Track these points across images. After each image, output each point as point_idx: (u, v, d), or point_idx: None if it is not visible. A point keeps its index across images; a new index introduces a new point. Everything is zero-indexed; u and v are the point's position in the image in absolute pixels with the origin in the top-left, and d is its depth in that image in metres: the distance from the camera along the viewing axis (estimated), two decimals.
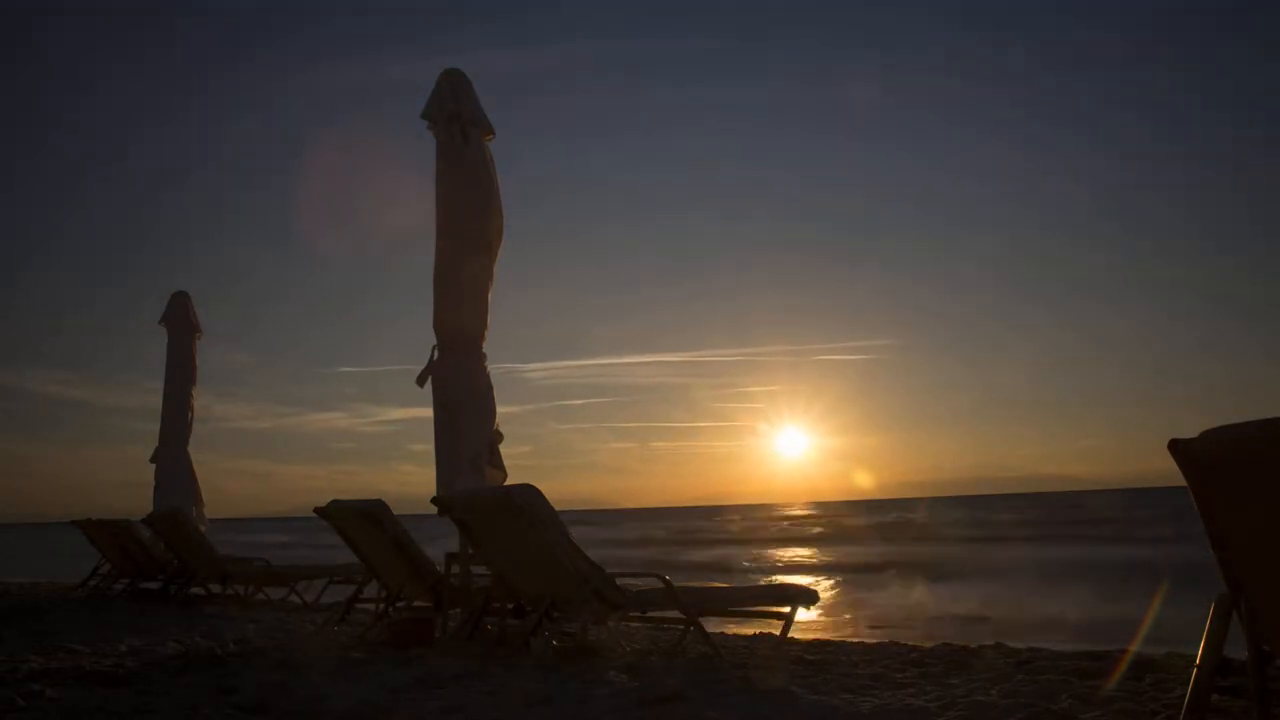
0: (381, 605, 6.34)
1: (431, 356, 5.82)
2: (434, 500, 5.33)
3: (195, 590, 9.11)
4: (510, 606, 5.45)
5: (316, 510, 6.40)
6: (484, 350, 5.91)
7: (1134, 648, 4.62)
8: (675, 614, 5.08)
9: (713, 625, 5.14)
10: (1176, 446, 2.27)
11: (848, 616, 9.82)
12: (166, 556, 9.57)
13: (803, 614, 5.18)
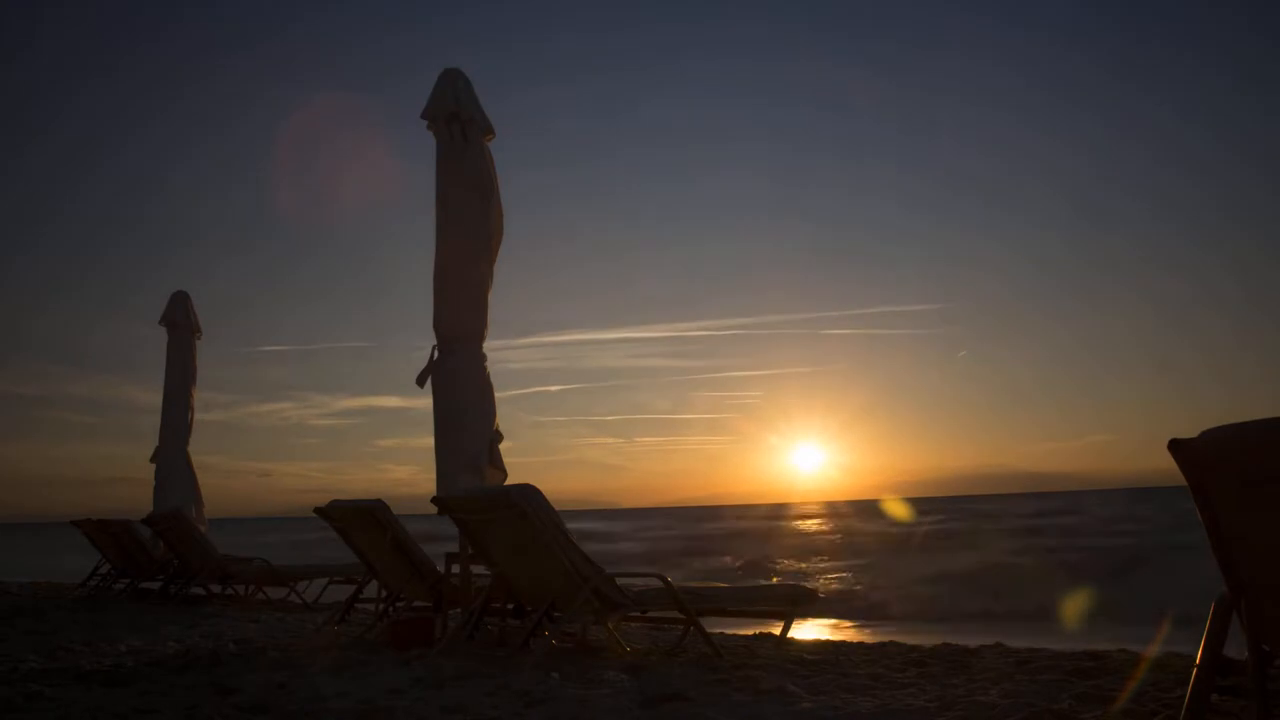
0: (381, 605, 6.35)
1: (431, 356, 5.82)
2: (434, 500, 5.33)
3: (195, 590, 9.12)
4: (510, 606, 5.45)
5: (316, 510, 6.41)
6: (484, 350, 5.92)
7: (1153, 651, 4.62)
8: (675, 614, 5.08)
9: (713, 625, 5.14)
10: (1177, 446, 2.27)
11: (848, 616, 9.82)
12: (166, 556, 9.58)
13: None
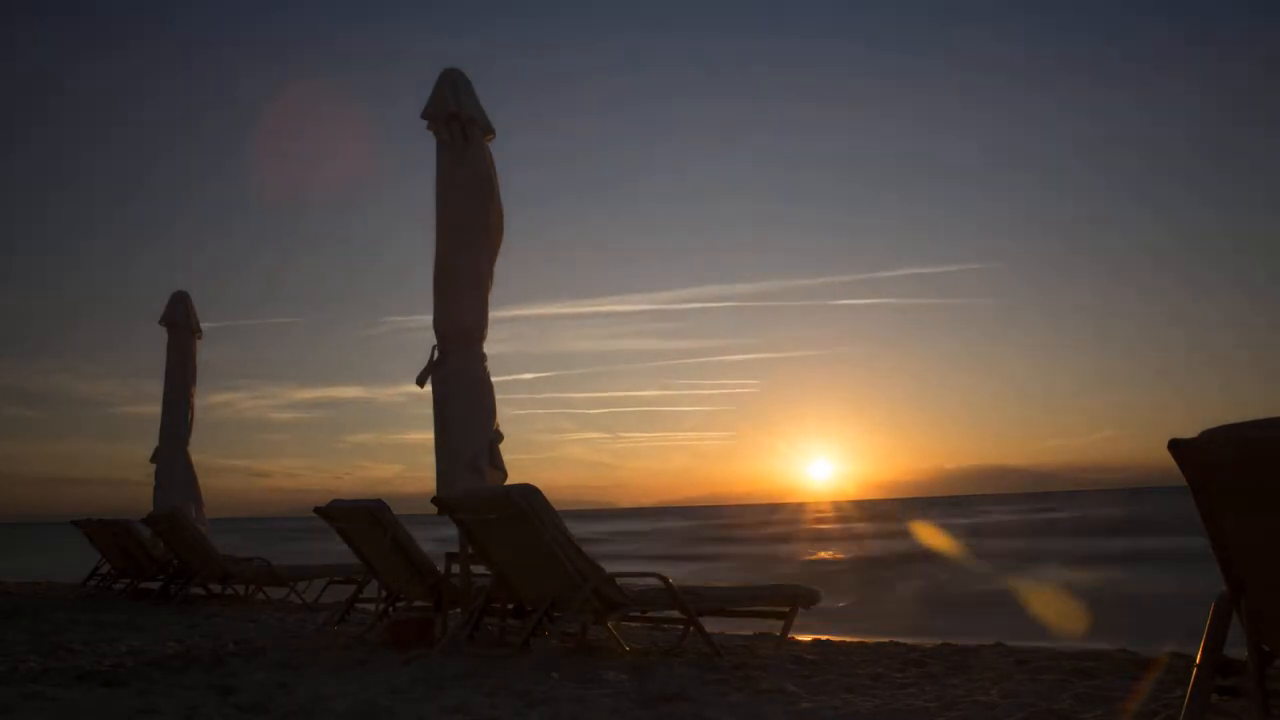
0: (381, 605, 6.35)
1: (431, 356, 5.83)
2: (434, 500, 5.33)
3: (195, 590, 9.12)
4: (510, 606, 5.46)
5: (317, 510, 6.41)
6: (484, 350, 5.93)
7: (1153, 651, 4.62)
8: (675, 614, 5.08)
9: (713, 625, 5.14)
10: (1177, 446, 2.27)
11: (848, 617, 9.82)
12: (166, 556, 9.58)
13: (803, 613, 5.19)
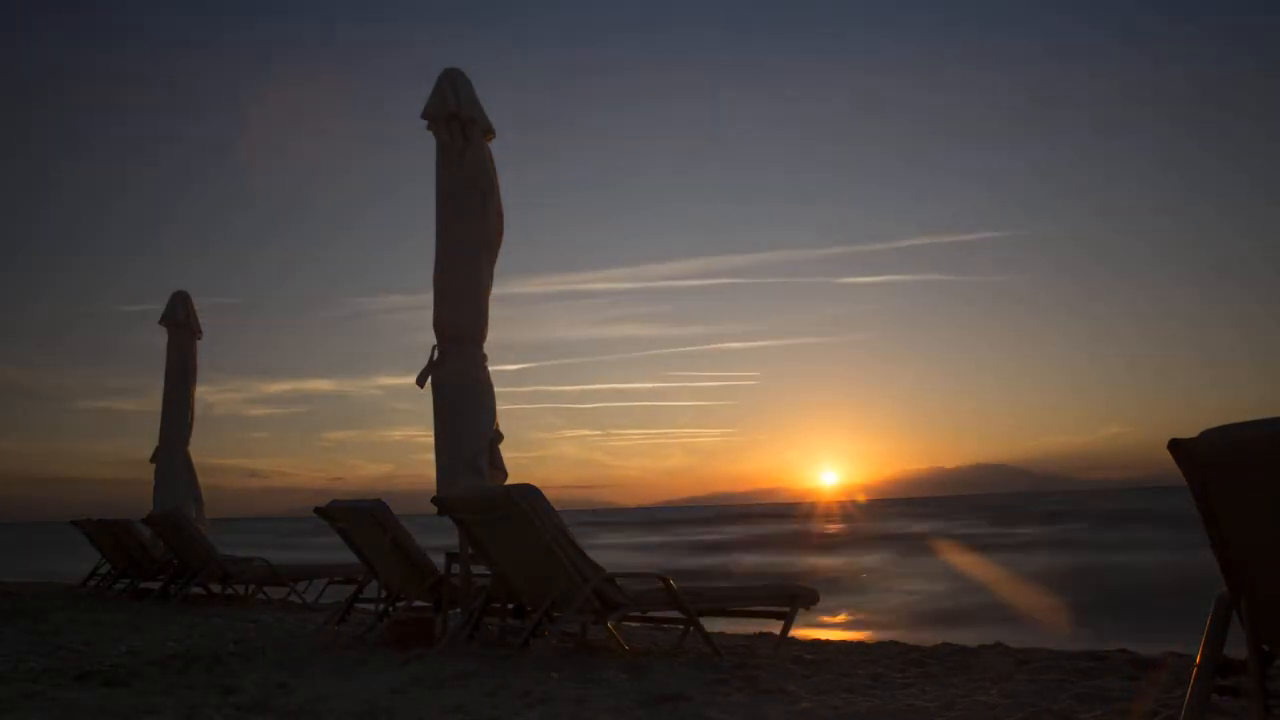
0: (381, 605, 6.35)
1: (431, 356, 5.83)
2: (434, 500, 5.33)
3: (195, 590, 9.12)
4: (510, 606, 5.46)
5: (317, 510, 6.41)
6: (484, 351, 5.93)
7: (1154, 651, 4.62)
8: (675, 614, 5.08)
9: (713, 625, 5.14)
10: (1177, 446, 2.27)
11: (848, 616, 9.82)
12: (166, 556, 9.58)
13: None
